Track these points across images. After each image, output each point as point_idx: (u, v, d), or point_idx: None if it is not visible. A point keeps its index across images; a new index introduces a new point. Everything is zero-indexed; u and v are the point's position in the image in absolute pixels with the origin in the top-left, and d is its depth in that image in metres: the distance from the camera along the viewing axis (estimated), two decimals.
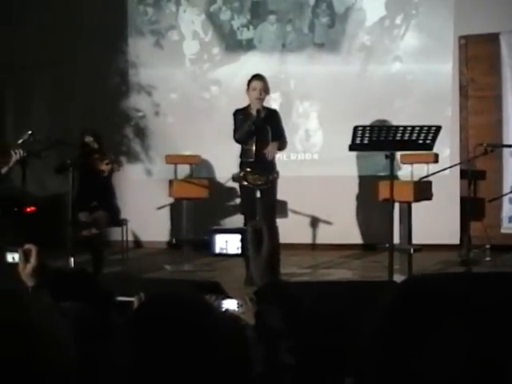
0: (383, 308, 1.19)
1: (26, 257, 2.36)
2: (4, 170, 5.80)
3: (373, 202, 7.91)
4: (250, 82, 6.54)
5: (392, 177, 5.44)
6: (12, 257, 2.42)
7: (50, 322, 0.89)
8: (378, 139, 5.32)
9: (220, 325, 1.33)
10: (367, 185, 8.11)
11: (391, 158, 5.37)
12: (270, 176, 6.49)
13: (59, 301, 2.02)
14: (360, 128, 5.35)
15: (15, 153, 5.72)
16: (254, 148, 6.44)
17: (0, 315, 0.86)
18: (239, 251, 1.71)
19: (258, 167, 6.44)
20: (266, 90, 6.51)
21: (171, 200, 8.07)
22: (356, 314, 2.49)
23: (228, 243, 1.72)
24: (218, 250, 1.72)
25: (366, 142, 5.32)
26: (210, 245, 1.73)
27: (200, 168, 8.13)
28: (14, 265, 2.40)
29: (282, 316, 1.65)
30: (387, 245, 5.76)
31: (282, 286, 1.68)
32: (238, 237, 1.70)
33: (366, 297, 2.81)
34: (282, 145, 6.61)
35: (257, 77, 6.54)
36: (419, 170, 6.81)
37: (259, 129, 6.42)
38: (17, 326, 0.86)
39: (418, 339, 0.99)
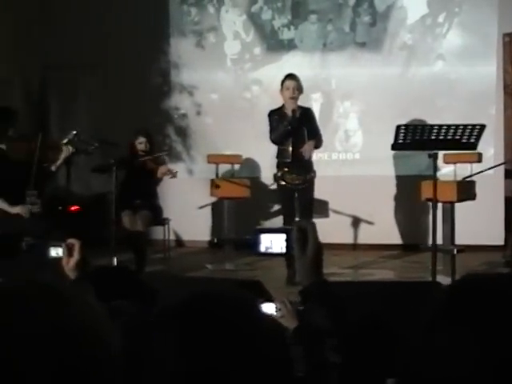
0: (434, 308, 1.17)
1: (69, 251, 2.40)
2: (54, 168, 5.86)
3: (414, 202, 7.85)
4: (283, 81, 6.54)
5: (435, 176, 5.38)
6: (56, 252, 2.46)
7: (93, 317, 0.88)
8: (420, 138, 5.26)
9: (263, 324, 1.32)
10: (408, 184, 8.03)
11: (434, 157, 5.31)
12: (307, 175, 6.48)
13: (104, 297, 2.03)
14: (403, 127, 5.30)
15: (64, 149, 5.78)
16: (290, 148, 6.43)
17: (42, 310, 0.85)
18: (284, 251, 1.70)
19: (296, 167, 6.43)
20: (299, 89, 6.49)
21: (213, 199, 8.09)
22: (401, 314, 2.46)
23: (273, 243, 1.70)
24: (262, 250, 1.71)
25: (408, 141, 5.26)
26: (254, 244, 1.72)
27: (242, 168, 8.14)
28: (57, 259, 2.44)
29: (327, 315, 1.63)
30: (429, 245, 5.70)
31: (328, 286, 1.67)
32: (283, 236, 1.69)
33: (411, 297, 2.78)
34: (317, 143, 6.59)
35: (290, 76, 6.54)
36: (462, 170, 6.72)
37: (295, 129, 6.41)
38: (59, 320, 0.85)
39: (473, 339, 0.97)
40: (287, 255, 1.77)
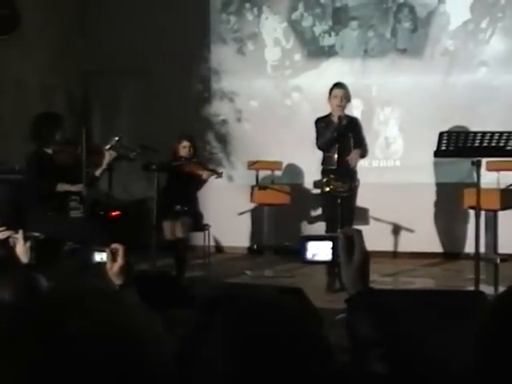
0: (483, 320, 1.15)
1: (113, 256, 2.41)
2: (98, 173, 5.91)
3: (455, 210, 7.78)
4: (331, 89, 6.57)
5: (478, 184, 5.30)
6: (100, 257, 2.48)
7: (147, 321, 0.88)
8: (464, 145, 5.20)
9: (314, 335, 1.31)
10: (449, 192, 7.97)
11: (478, 164, 5.24)
12: (352, 183, 6.47)
13: (147, 302, 2.03)
14: (446, 134, 5.25)
15: (107, 155, 5.83)
16: (336, 155, 6.46)
17: (98, 314, 0.85)
18: (330, 258, 1.68)
19: (341, 174, 6.42)
20: (347, 98, 6.51)
21: (252, 206, 8.09)
22: (446, 323, 2.42)
23: (319, 250, 1.69)
24: (309, 257, 1.69)
25: (451, 148, 5.20)
26: (300, 252, 1.71)
27: (283, 174, 8.13)
28: (101, 264, 2.45)
29: (374, 324, 1.61)
30: (471, 254, 5.62)
31: (374, 294, 1.64)
32: (329, 244, 1.67)
33: (455, 306, 2.74)
34: (363, 152, 6.63)
35: (338, 85, 6.55)
36: (506, 178, 6.62)
37: (341, 136, 6.41)
38: (117, 325, 0.85)
39: None
40: (331, 262, 1.76)
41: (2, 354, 0.84)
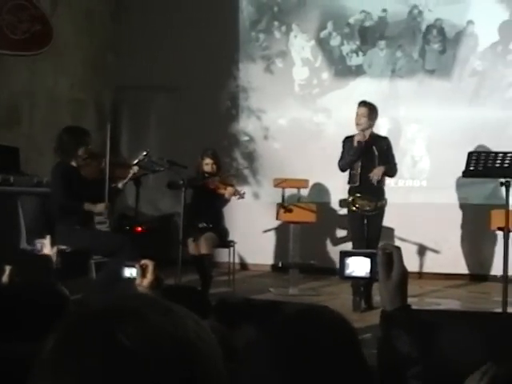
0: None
1: (143, 272, 2.41)
2: (121, 185, 5.94)
3: (481, 231, 7.71)
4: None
5: (507, 205, 5.24)
6: (130, 272, 2.47)
7: (200, 331, 0.86)
8: (493, 166, 5.15)
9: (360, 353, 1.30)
10: (475, 213, 7.93)
11: (507, 185, 5.18)
12: (378, 203, 6.40)
13: None
14: (475, 154, 5.21)
15: (132, 169, 5.87)
16: (358, 172, 6.39)
17: (151, 324, 0.83)
18: (368, 274, 1.66)
19: (368, 193, 6.36)
20: (367, 116, 6.39)
21: (278, 223, 8.06)
22: (474, 342, 2.38)
23: (358, 266, 1.67)
24: (347, 273, 1.67)
25: (480, 168, 5.16)
26: (339, 267, 1.69)
27: (308, 192, 8.11)
28: (131, 279, 2.45)
29: (412, 342, 1.59)
30: (498, 276, 5.56)
31: (413, 312, 1.62)
32: (368, 260, 1.65)
33: (484, 326, 2.70)
34: (390, 171, 6.51)
35: (359, 103, 6.51)
36: None
37: (365, 154, 6.36)
38: (171, 335, 0.83)
39: None
40: (368, 280, 1.74)
41: (56, 362, 0.82)
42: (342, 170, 6.51)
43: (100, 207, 5.75)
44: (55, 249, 3.14)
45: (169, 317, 0.85)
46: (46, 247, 3.12)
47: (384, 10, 8.49)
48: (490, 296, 6.78)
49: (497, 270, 6.11)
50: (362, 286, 6.18)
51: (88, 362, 0.81)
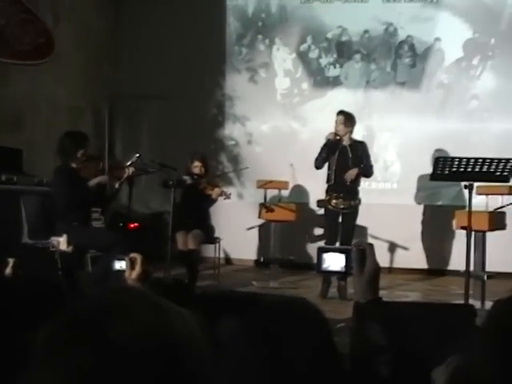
0: (488, 328, 1.13)
1: (132, 264, 2.39)
2: (117, 185, 5.93)
3: (446, 230, 7.78)
4: None
5: (470, 206, 5.26)
6: (120, 265, 2.46)
7: (188, 327, 0.84)
8: (457, 170, 5.17)
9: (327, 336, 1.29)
10: (442, 213, 8.01)
11: (470, 188, 5.20)
12: (352, 201, 6.46)
13: None
14: (441, 159, 5.22)
15: (127, 170, 5.86)
16: (333, 173, 6.49)
17: (141, 322, 0.81)
18: (343, 269, 1.66)
19: (342, 192, 6.42)
20: (344, 123, 6.50)
21: (260, 222, 8.06)
22: (440, 332, 2.39)
23: (334, 261, 1.67)
24: (324, 268, 1.67)
25: (446, 172, 5.17)
26: (316, 262, 1.69)
27: (289, 193, 8.12)
28: (120, 272, 2.43)
29: (382, 331, 1.59)
30: (461, 271, 5.58)
31: (384, 304, 1.62)
32: (343, 256, 1.65)
33: (448, 317, 2.72)
34: (365, 172, 6.59)
35: (338, 112, 6.61)
36: (494, 201, 6.60)
37: (340, 156, 6.44)
38: (160, 332, 0.81)
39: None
40: (343, 274, 1.74)
41: (45, 353, 0.79)
42: (316, 167, 6.57)
43: (102, 179, 5.75)
44: (71, 247, 3.11)
45: (158, 312, 0.83)
46: (63, 244, 3.10)
47: (360, 27, 8.50)
48: (452, 289, 6.84)
49: (458, 265, 6.16)
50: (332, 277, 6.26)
51: (76, 354, 0.78)
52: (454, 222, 6.35)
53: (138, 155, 5.97)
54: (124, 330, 0.80)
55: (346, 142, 6.51)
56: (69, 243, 3.14)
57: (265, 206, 7.21)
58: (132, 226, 7.12)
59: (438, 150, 7.71)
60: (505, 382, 1.00)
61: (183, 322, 0.84)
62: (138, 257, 2.41)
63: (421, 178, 7.94)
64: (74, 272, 5.12)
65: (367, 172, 6.61)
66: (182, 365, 0.81)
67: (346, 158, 6.47)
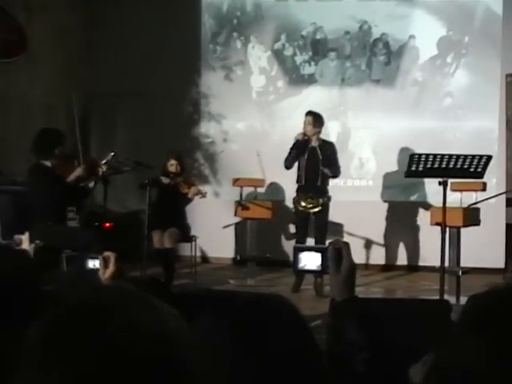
0: (463, 324, 1.12)
1: (105, 263, 2.36)
2: (91, 185, 5.89)
3: (421, 227, 7.84)
4: None
5: (445, 202, 5.30)
6: (93, 263, 2.44)
7: (184, 332, 0.83)
8: (432, 167, 5.21)
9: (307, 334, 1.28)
10: (416, 210, 8.09)
11: (444, 184, 5.24)
12: (320, 200, 6.52)
13: None
14: (416, 156, 5.26)
15: (102, 167, 5.83)
16: (303, 173, 6.57)
17: (140, 321, 0.79)
18: (320, 268, 1.66)
19: (310, 191, 6.52)
20: (312, 124, 6.56)
21: (237, 219, 8.04)
22: (416, 328, 2.40)
23: (310, 260, 1.66)
24: (300, 267, 1.67)
25: (421, 168, 5.21)
26: (292, 261, 1.68)
27: (265, 191, 8.12)
28: (94, 270, 2.41)
29: (359, 329, 1.59)
30: (437, 266, 5.63)
31: (360, 301, 1.62)
32: (319, 255, 1.65)
33: (424, 313, 2.74)
34: (332, 171, 6.64)
35: (306, 113, 6.68)
36: (468, 198, 6.66)
37: (309, 156, 6.51)
38: (166, 338, 0.79)
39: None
40: (319, 273, 1.74)
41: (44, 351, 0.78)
42: (286, 167, 6.66)
43: (78, 172, 5.71)
44: (33, 245, 3.08)
45: (153, 312, 0.82)
46: (25, 242, 3.06)
47: (335, 25, 8.51)
48: (428, 285, 6.88)
49: (433, 261, 6.20)
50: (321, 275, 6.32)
51: (77, 355, 0.77)
52: (429, 218, 6.37)
53: (112, 153, 5.94)
54: (124, 329, 0.79)
55: (314, 142, 6.58)
56: (31, 241, 3.10)
57: (240, 204, 7.21)
58: (107, 225, 7.06)
59: (413, 148, 7.72)
60: (480, 378, 1.00)
61: (176, 321, 0.84)
62: (111, 255, 2.38)
63: (396, 175, 7.97)
64: (42, 272, 5.06)
65: (334, 172, 6.68)
66: (180, 365, 0.81)
67: (315, 160, 6.54)
